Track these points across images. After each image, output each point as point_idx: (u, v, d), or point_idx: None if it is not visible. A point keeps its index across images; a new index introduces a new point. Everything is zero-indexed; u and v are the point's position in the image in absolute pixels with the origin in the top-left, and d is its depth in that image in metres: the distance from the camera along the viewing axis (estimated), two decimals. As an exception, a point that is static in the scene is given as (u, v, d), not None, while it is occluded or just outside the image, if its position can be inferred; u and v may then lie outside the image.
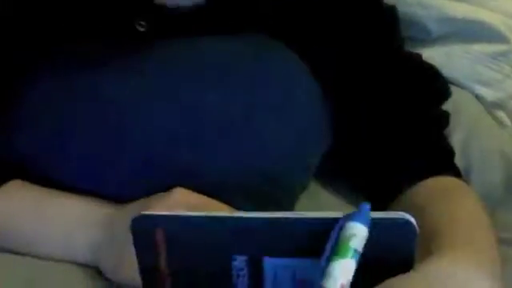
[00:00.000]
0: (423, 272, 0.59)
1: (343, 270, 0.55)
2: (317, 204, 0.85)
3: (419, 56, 0.88)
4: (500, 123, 1.02)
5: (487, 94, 1.02)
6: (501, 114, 1.02)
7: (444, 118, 0.86)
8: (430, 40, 1.01)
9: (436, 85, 0.87)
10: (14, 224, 0.76)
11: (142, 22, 0.78)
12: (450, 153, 0.84)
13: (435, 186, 0.79)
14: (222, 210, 0.71)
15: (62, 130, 0.77)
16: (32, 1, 0.79)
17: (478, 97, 1.02)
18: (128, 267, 0.68)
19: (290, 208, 0.81)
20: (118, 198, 0.75)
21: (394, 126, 0.82)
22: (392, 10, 0.86)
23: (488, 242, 0.70)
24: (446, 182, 0.80)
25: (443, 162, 0.83)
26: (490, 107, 1.02)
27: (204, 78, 0.77)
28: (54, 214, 0.76)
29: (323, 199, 0.87)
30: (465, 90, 1.01)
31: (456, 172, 0.83)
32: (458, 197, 0.77)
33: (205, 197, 0.72)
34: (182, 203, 0.70)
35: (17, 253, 0.76)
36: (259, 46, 0.80)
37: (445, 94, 0.87)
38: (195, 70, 0.78)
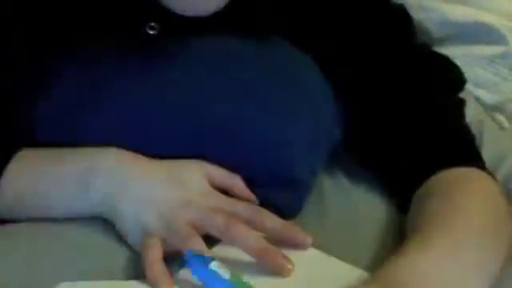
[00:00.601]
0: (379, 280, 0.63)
1: None
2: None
3: (429, 46, 0.88)
4: (499, 125, 1.02)
5: (486, 96, 1.02)
6: (500, 117, 1.02)
7: (463, 104, 0.84)
8: (430, 42, 1.01)
9: (452, 72, 0.87)
10: (27, 185, 0.75)
11: (153, 24, 0.78)
12: (470, 141, 0.82)
13: (447, 177, 0.77)
14: None
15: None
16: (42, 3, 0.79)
17: (477, 99, 1.02)
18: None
19: (295, 210, 0.80)
20: None
21: (410, 116, 0.80)
22: (400, 6, 0.86)
23: (471, 242, 0.68)
24: (460, 173, 0.77)
25: (463, 151, 0.80)
26: (490, 110, 1.02)
27: (216, 80, 0.77)
28: (63, 167, 0.74)
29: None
30: (465, 92, 1.02)
31: (480, 163, 0.80)
32: (460, 191, 0.74)
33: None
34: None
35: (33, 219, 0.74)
36: (269, 47, 0.80)
37: (461, 80, 0.87)
38: (206, 72, 0.78)
